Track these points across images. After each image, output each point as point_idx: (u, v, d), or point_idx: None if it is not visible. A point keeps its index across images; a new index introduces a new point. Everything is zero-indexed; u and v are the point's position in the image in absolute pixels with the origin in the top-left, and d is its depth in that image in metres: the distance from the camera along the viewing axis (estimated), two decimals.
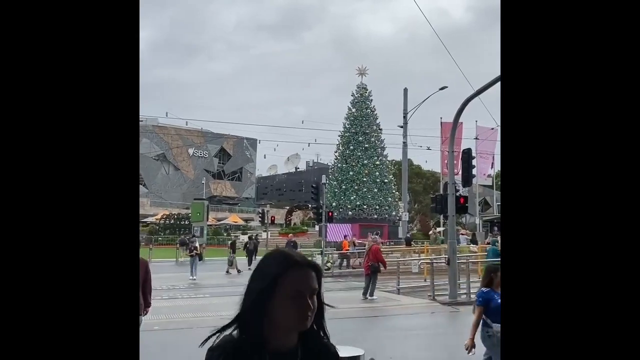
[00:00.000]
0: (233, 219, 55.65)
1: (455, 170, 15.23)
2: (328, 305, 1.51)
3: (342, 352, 2.44)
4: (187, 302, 12.69)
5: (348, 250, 22.79)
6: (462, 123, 26.91)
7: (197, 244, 20.09)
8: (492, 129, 33.84)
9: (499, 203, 45.39)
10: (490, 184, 42.09)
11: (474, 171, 14.68)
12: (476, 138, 33.18)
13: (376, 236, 16.84)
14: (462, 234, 25.52)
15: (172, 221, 48.06)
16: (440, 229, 32.42)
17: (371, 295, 13.23)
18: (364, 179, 37.67)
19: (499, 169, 43.08)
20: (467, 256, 17.44)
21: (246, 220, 56.26)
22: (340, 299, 13.44)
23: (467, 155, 13.85)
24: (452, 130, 13.94)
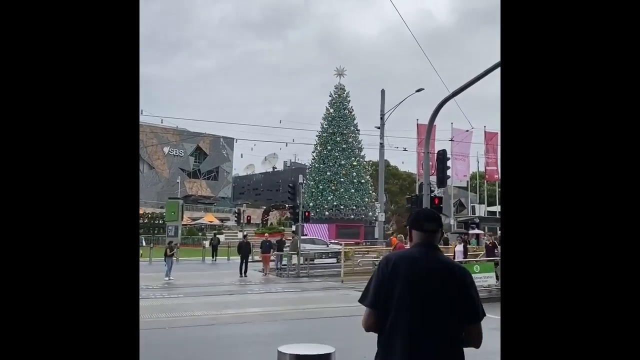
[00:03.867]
0: (208, 218, 55.09)
1: (431, 172, 15.41)
2: None
3: (313, 349, 2.43)
4: (160, 302, 12.53)
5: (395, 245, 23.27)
6: (436, 125, 27.20)
7: (143, 243, 19.60)
8: (467, 130, 34.29)
9: (473, 204, 45.97)
10: (465, 186, 42.65)
11: (449, 172, 14.89)
12: (451, 140, 33.59)
13: (401, 235, 17.62)
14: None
15: (147, 220, 47.33)
16: (475, 231, 27.38)
17: None
18: (341, 179, 37.79)
19: (474, 171, 43.67)
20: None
21: (222, 219, 55.75)
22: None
23: (442, 156, 14.05)
24: (427, 131, 14.10)
